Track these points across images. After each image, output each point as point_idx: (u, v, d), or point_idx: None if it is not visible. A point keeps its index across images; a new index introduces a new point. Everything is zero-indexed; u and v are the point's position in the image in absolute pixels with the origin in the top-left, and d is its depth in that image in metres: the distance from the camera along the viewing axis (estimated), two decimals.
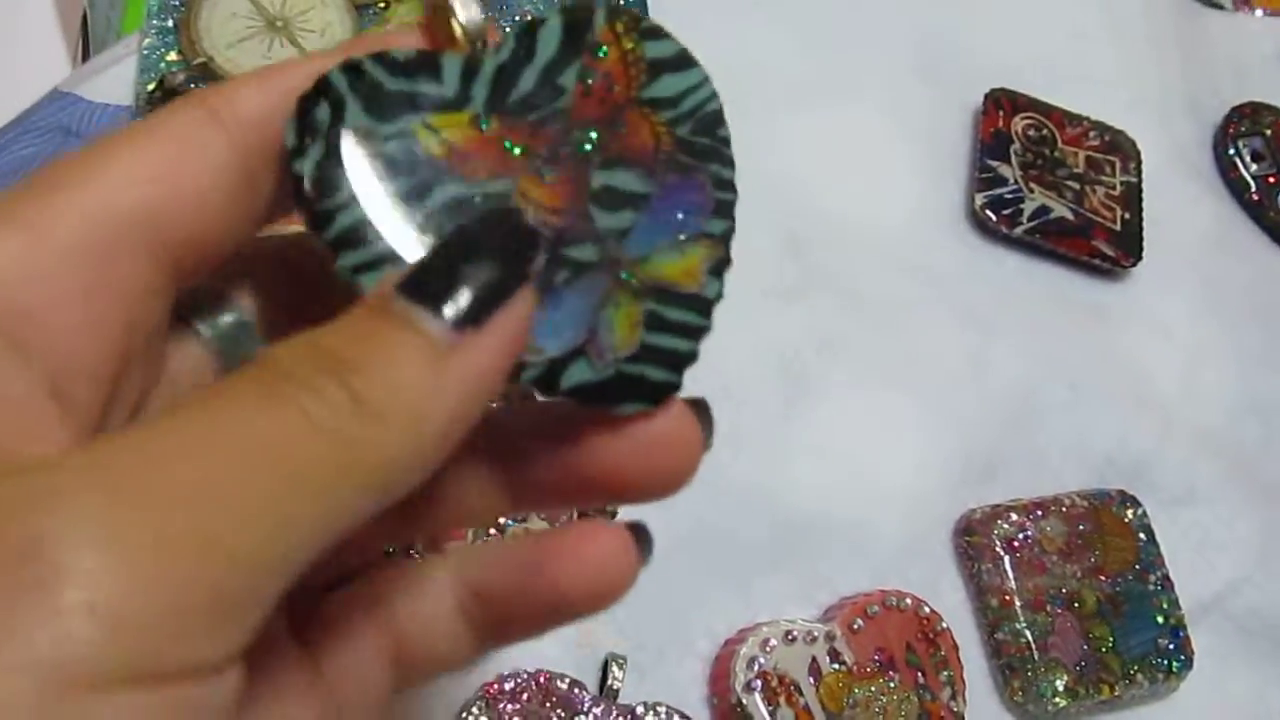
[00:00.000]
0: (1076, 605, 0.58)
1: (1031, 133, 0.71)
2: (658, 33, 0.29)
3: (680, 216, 0.28)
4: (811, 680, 0.53)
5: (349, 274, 0.24)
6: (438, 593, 0.29)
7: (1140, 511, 0.62)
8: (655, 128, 0.28)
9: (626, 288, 0.27)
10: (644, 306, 0.27)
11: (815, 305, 0.64)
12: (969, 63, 0.74)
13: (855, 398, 0.62)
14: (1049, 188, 0.70)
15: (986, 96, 0.72)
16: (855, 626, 0.54)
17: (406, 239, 0.25)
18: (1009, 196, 0.69)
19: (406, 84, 0.26)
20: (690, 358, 0.28)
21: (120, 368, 0.23)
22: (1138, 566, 0.60)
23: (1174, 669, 0.59)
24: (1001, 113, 0.71)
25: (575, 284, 0.27)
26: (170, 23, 0.62)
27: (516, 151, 0.26)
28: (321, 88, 0.25)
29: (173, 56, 0.61)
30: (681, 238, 0.28)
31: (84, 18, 0.69)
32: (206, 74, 0.60)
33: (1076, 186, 0.71)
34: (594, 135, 0.27)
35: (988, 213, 0.68)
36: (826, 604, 0.57)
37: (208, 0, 0.61)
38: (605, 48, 0.28)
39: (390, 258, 0.24)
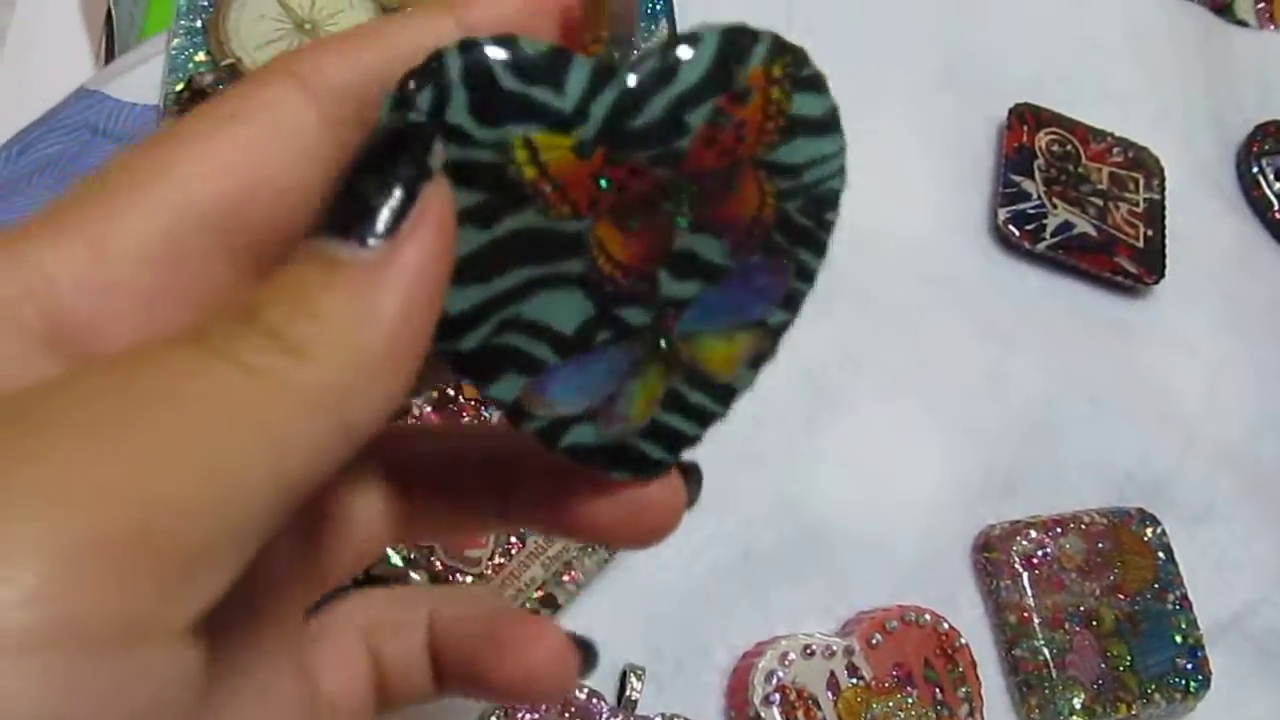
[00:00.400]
0: (1095, 623, 0.58)
1: (1055, 148, 0.71)
2: (815, 83, 0.26)
3: (747, 301, 0.26)
4: (830, 695, 0.53)
5: None
6: (415, 623, 0.29)
7: (1159, 530, 0.62)
8: (765, 197, 0.26)
9: (661, 361, 0.26)
10: (670, 385, 0.26)
11: (839, 319, 0.63)
12: (993, 77, 0.74)
13: (877, 412, 0.62)
14: (1072, 203, 0.70)
15: (1011, 111, 0.72)
16: (874, 641, 0.54)
17: (456, 262, 0.23)
18: (1032, 212, 0.69)
19: (524, 87, 0.23)
20: (693, 441, 0.27)
21: None
22: (1156, 585, 0.60)
23: (1192, 689, 0.59)
24: (1025, 128, 0.71)
25: (613, 348, 0.25)
26: (198, 23, 0.62)
27: (606, 186, 0.24)
28: (431, 68, 0.22)
29: (201, 57, 0.61)
30: (737, 323, 0.26)
31: (108, 14, 0.69)
32: (234, 75, 0.60)
33: (1100, 203, 0.71)
34: (695, 192, 0.25)
35: (1011, 228, 0.68)
36: (845, 618, 0.57)
37: (236, 1, 0.61)
38: (751, 93, 0.25)
39: None
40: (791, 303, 0.26)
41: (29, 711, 0.16)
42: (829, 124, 0.26)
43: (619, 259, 0.25)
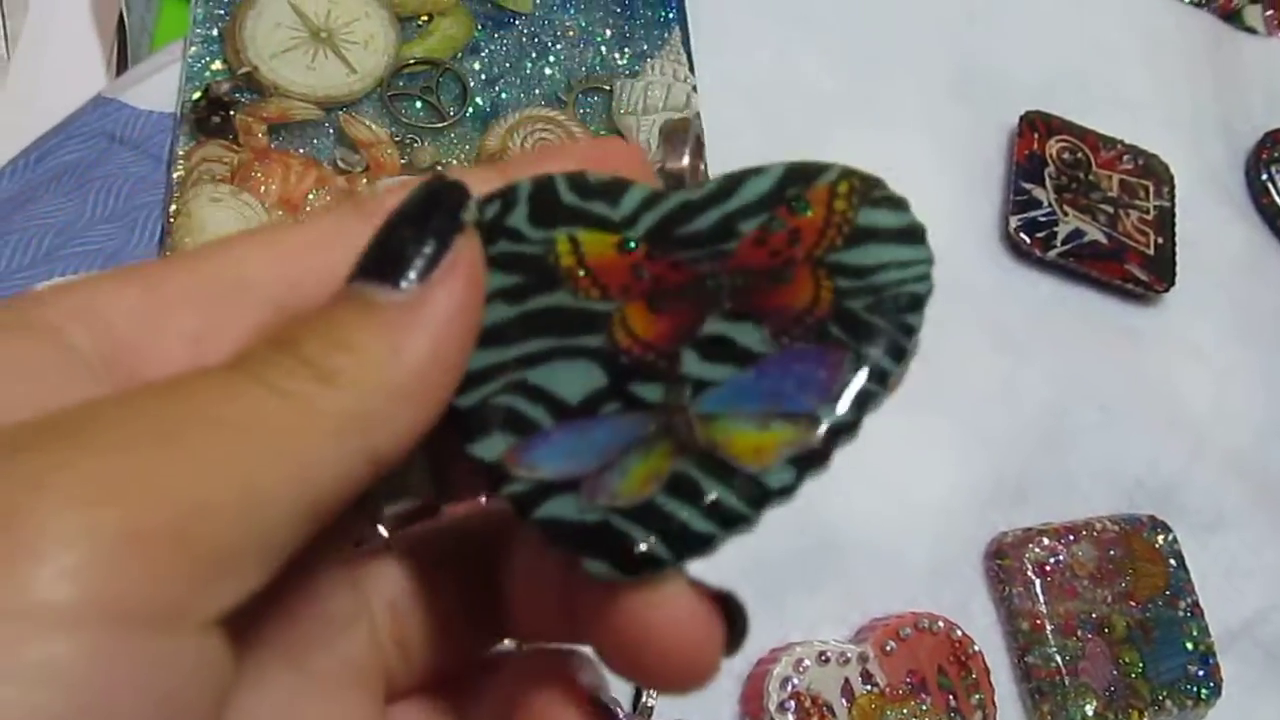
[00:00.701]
0: (1107, 630, 0.59)
1: (1066, 156, 0.72)
2: (890, 202, 0.25)
3: (786, 389, 0.23)
4: (844, 702, 0.53)
5: None
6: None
7: (1170, 537, 0.62)
8: (820, 291, 0.24)
9: (671, 439, 0.23)
10: (679, 467, 0.23)
11: None
12: (1004, 85, 0.74)
13: (888, 419, 0.62)
14: (1083, 211, 0.70)
15: (1021, 119, 0.72)
16: (888, 648, 0.54)
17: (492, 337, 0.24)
18: (1043, 219, 0.69)
19: (582, 201, 0.25)
20: (701, 543, 0.23)
21: None
22: (1168, 592, 0.61)
23: (1203, 696, 0.59)
24: (1036, 135, 0.72)
25: (618, 419, 0.24)
26: (215, 32, 0.62)
27: (643, 275, 0.24)
28: (506, 190, 0.25)
29: (217, 65, 0.61)
30: (775, 410, 0.23)
31: (120, 20, 0.70)
32: (251, 83, 0.60)
33: (1110, 210, 0.71)
34: (739, 284, 0.24)
35: (1022, 235, 0.68)
36: (858, 625, 0.57)
37: (253, 10, 0.62)
38: (810, 205, 0.24)
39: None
40: (859, 403, 0.23)
41: (76, 680, 0.17)
42: (908, 234, 0.25)
43: (638, 334, 0.24)
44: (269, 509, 0.20)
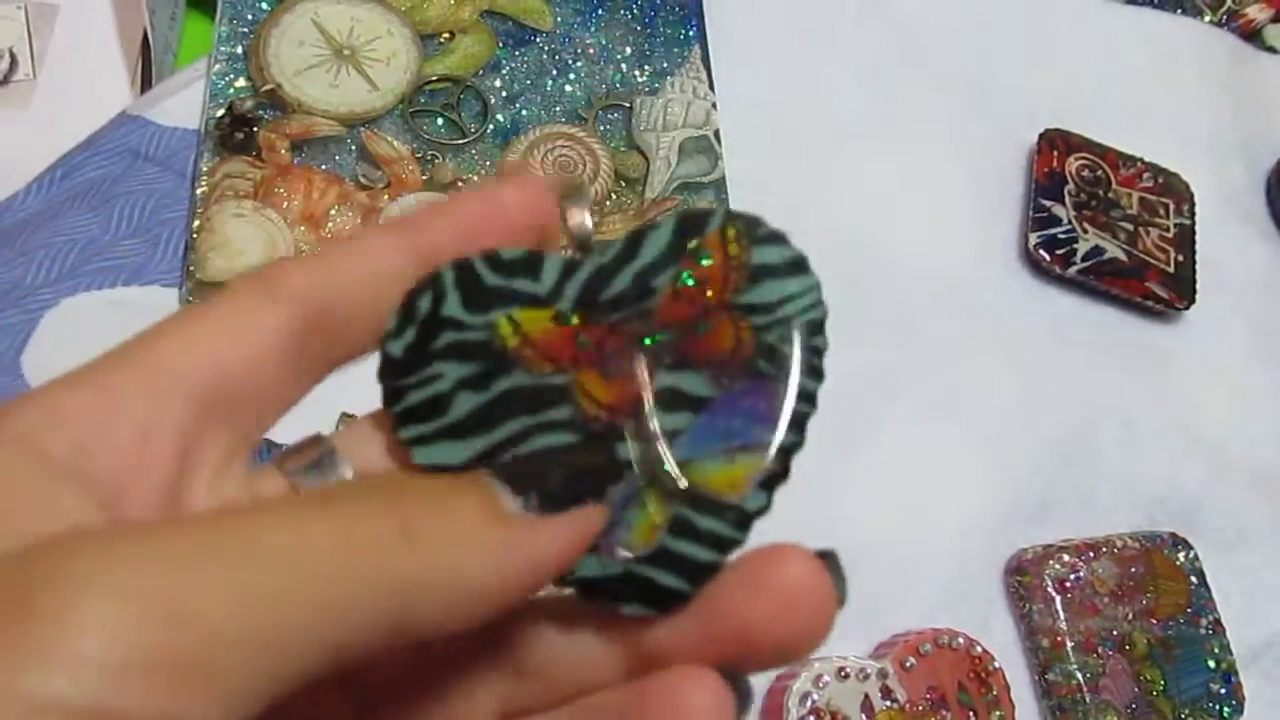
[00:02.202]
0: (1128, 648, 0.58)
1: (1086, 173, 0.72)
2: (773, 238, 0.28)
3: (738, 424, 0.27)
4: (864, 717, 0.53)
5: (408, 444, 0.27)
6: None
7: (1192, 554, 0.62)
8: (740, 332, 0.27)
9: (659, 488, 0.27)
10: (673, 510, 0.26)
11: (873, 344, 0.64)
12: (1023, 102, 0.75)
13: (909, 435, 0.63)
14: (1103, 228, 0.70)
15: (1041, 136, 0.72)
16: (908, 665, 0.54)
17: (457, 422, 0.27)
18: (1063, 236, 0.69)
19: (504, 281, 0.27)
20: (709, 569, 0.26)
21: (171, 501, 0.25)
22: (1189, 610, 0.60)
23: (1225, 714, 0.59)
24: (1056, 153, 0.72)
25: None
26: (239, 50, 0.63)
27: (585, 343, 0.27)
28: (430, 279, 0.27)
29: (241, 83, 0.62)
30: (734, 445, 0.27)
31: (144, 38, 0.70)
32: (274, 100, 0.61)
33: (1130, 228, 0.71)
34: (667, 336, 0.27)
35: (1041, 252, 0.68)
36: (878, 640, 0.57)
37: (276, 28, 0.62)
38: (709, 253, 0.28)
39: (446, 434, 0.27)
40: (797, 423, 0.27)
41: None
42: (794, 268, 0.28)
43: (601, 400, 0.27)
44: (285, 642, 0.21)
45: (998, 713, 0.55)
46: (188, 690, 0.19)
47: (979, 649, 0.56)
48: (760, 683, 0.55)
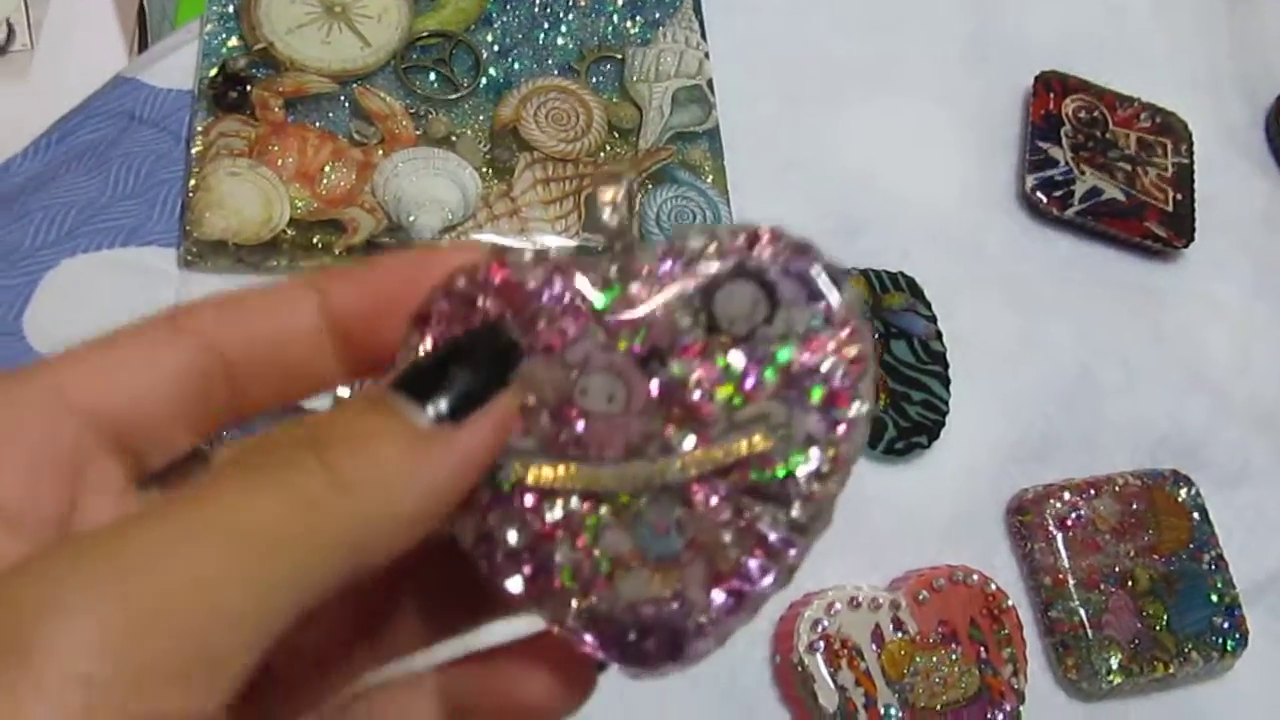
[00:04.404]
0: (1130, 584, 0.58)
1: (1082, 114, 0.71)
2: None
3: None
4: (874, 646, 0.53)
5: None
6: (424, 715, 0.30)
7: (1193, 491, 0.62)
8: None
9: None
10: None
11: None
12: (1018, 45, 0.74)
13: None
14: (1100, 169, 0.70)
15: (1037, 79, 0.72)
16: (920, 598, 0.55)
17: None
18: (1060, 178, 0.69)
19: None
20: None
21: (67, 522, 0.25)
22: (1191, 546, 0.60)
23: (1229, 648, 0.59)
24: (1052, 95, 0.71)
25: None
26: (230, 9, 0.63)
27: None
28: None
29: (234, 42, 0.62)
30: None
31: (140, 6, 0.70)
32: (267, 59, 0.61)
33: (1128, 168, 0.71)
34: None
35: (1039, 194, 0.68)
36: (892, 576, 0.57)
37: None
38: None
39: None
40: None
41: None
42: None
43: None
44: (266, 607, 0.21)
45: (1009, 650, 0.55)
46: (174, 689, 0.20)
47: (993, 586, 0.56)
48: (772, 609, 0.54)
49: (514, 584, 0.26)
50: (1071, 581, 0.58)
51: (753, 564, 0.26)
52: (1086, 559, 0.58)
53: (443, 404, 0.24)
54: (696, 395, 0.27)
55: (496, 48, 0.65)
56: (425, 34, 0.64)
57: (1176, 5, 0.79)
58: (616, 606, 0.26)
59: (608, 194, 0.28)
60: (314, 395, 0.28)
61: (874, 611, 0.54)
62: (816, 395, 0.26)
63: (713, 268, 0.27)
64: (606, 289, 0.27)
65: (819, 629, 0.53)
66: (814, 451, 0.27)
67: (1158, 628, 0.58)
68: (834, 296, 0.27)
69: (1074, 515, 0.59)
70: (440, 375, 0.25)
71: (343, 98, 0.61)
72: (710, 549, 0.26)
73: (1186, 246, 0.69)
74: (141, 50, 0.68)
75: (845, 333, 0.27)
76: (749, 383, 0.27)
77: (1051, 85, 0.72)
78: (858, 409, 0.27)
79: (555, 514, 0.27)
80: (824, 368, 0.27)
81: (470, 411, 0.24)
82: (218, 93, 0.60)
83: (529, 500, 0.26)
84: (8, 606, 0.19)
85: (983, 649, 0.55)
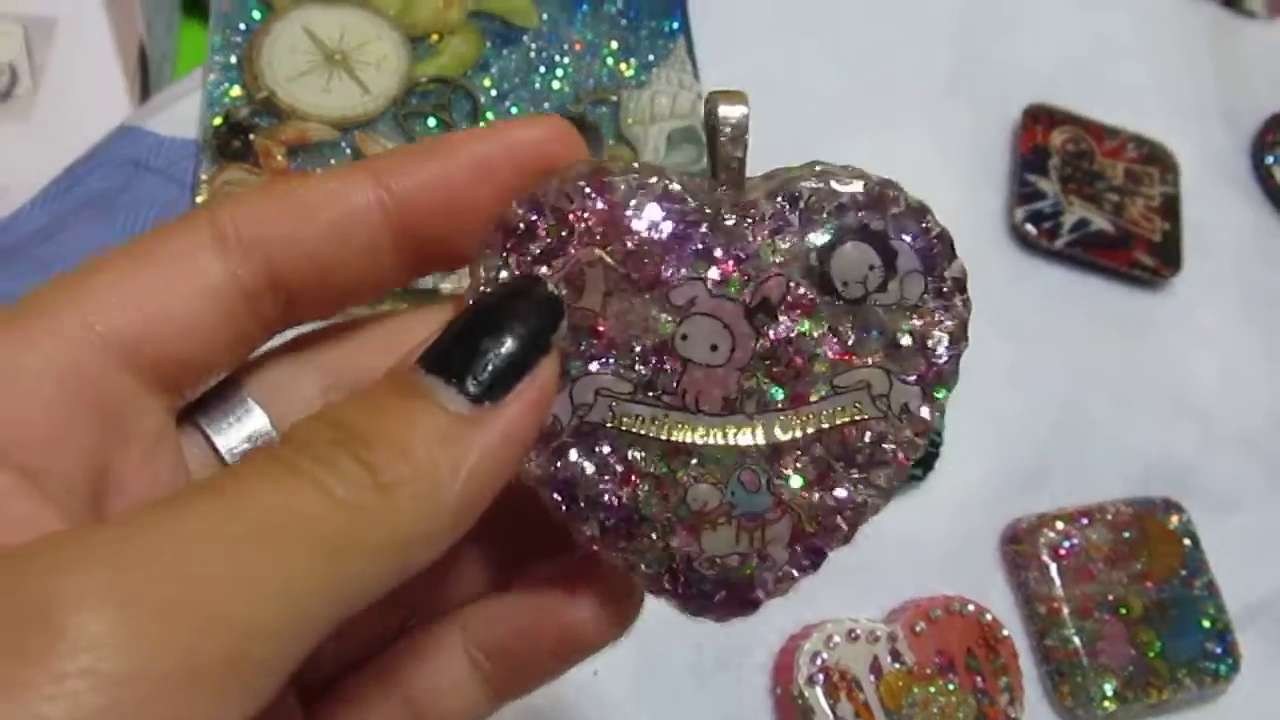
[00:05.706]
0: (1124, 611, 0.60)
1: (1070, 146, 0.73)
2: None
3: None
4: (872, 678, 0.54)
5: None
6: (451, 659, 0.29)
7: (1185, 518, 0.63)
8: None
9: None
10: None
11: None
12: (1006, 78, 0.75)
13: None
14: (1088, 200, 0.71)
15: (1025, 112, 0.73)
16: (917, 629, 0.56)
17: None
18: (1049, 210, 0.70)
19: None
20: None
21: (98, 474, 0.23)
22: (1183, 572, 0.62)
23: (1222, 673, 0.60)
24: (1039, 127, 0.73)
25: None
26: (233, 59, 0.64)
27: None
28: None
29: (236, 91, 0.63)
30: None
31: (141, 49, 0.71)
32: (269, 107, 0.62)
33: (1116, 198, 0.72)
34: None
35: (1028, 226, 0.69)
36: (890, 607, 0.58)
37: (268, 36, 0.64)
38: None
39: None
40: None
41: None
42: None
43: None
44: (305, 617, 0.20)
45: (1004, 679, 0.56)
46: (202, 696, 0.18)
47: (989, 616, 0.57)
48: (772, 642, 0.56)
49: (592, 527, 0.26)
50: (1066, 610, 0.59)
51: (834, 525, 0.27)
52: (1080, 587, 0.60)
53: (479, 380, 0.22)
54: (801, 355, 0.26)
55: (494, 92, 0.66)
56: (424, 80, 0.65)
57: (1161, 35, 0.80)
58: (699, 557, 0.26)
59: (734, 111, 0.26)
60: (368, 302, 0.26)
61: (872, 643, 0.55)
62: (917, 368, 0.27)
63: (833, 224, 0.27)
64: (716, 226, 0.26)
65: (818, 661, 0.54)
66: (907, 422, 0.27)
67: (1151, 654, 0.59)
68: (948, 269, 0.28)
69: (1067, 544, 0.60)
70: (473, 347, 0.22)
71: (344, 144, 0.63)
72: (797, 509, 0.27)
73: (1174, 275, 0.71)
74: (144, 92, 0.69)
75: (952, 307, 0.28)
76: (855, 348, 0.27)
77: (1039, 118, 0.73)
78: (950, 386, 0.28)
79: (644, 463, 0.25)
80: (929, 342, 0.27)
81: (510, 386, 0.22)
82: (222, 142, 0.61)
83: (616, 445, 0.25)
84: (33, 596, 0.18)
85: (979, 678, 0.56)
